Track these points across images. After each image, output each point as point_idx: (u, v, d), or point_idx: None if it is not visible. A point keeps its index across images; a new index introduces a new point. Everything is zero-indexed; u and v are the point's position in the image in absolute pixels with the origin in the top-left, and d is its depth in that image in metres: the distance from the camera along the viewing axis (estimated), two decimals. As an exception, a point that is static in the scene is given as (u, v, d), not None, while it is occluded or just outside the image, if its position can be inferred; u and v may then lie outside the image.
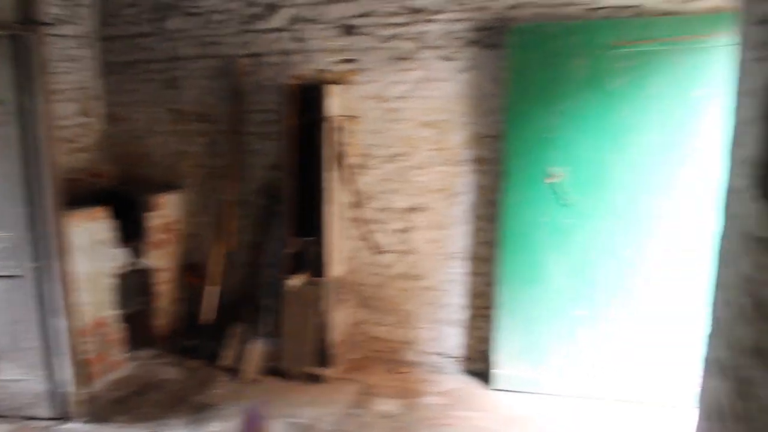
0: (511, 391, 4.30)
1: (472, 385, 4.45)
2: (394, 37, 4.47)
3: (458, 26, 4.31)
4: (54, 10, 4.97)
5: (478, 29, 4.27)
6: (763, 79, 1.97)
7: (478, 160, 4.37)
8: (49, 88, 3.90)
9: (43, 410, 4.07)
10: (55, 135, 3.96)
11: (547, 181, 4.03)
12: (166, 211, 5.18)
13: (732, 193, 2.37)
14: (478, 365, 4.56)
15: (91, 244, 4.47)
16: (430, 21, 4.36)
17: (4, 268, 3.93)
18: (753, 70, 2.14)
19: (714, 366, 2.51)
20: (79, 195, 4.84)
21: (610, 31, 3.85)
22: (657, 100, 3.81)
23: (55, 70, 4.92)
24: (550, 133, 3.99)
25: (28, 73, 3.74)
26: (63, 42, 5.10)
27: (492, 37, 4.24)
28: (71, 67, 5.21)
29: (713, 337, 2.58)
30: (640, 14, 3.93)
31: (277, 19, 4.78)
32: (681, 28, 3.74)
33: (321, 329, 4.52)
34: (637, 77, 3.82)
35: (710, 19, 3.69)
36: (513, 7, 4.17)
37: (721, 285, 2.48)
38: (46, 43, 3.88)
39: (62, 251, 3.94)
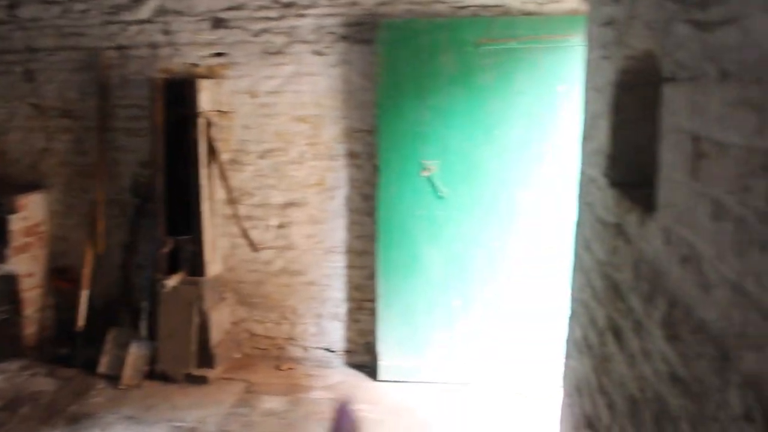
0: (395, 381, 4.39)
1: (358, 377, 4.52)
2: (265, 31, 4.42)
3: (329, 21, 4.31)
4: None
5: (349, 24, 4.29)
6: (609, 76, 2.12)
7: (353, 155, 4.42)
8: None
9: None
10: None
11: (421, 174, 4.14)
12: (29, 213, 4.90)
13: (585, 182, 2.55)
14: (363, 358, 4.65)
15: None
16: (301, 15, 4.34)
17: None
18: (600, 67, 2.30)
19: (574, 346, 2.71)
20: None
21: (477, 28, 3.98)
22: (522, 95, 3.99)
23: None
24: (422, 127, 4.09)
25: None
26: None
27: (363, 33, 4.27)
28: None
29: (573, 319, 2.78)
30: (504, 13, 4.07)
31: (144, 11, 4.59)
32: (542, 28, 3.92)
33: (201, 329, 4.46)
34: (503, 73, 3.99)
35: (568, 20, 3.89)
36: (383, 3, 4.22)
37: (579, 269, 2.66)
38: None
39: None
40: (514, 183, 4.08)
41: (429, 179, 4.14)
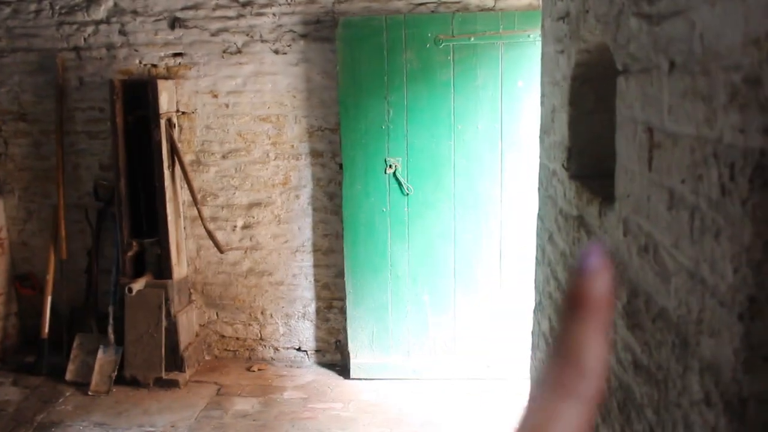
0: (367, 379, 4.39)
1: (329, 376, 4.51)
2: (223, 30, 4.38)
3: (288, 20, 4.29)
4: None
5: (308, 23, 4.27)
6: (566, 70, 2.15)
7: (316, 153, 4.41)
8: None
9: None
10: None
11: (386, 171, 4.14)
12: (-13, 220, 4.80)
13: (547, 175, 2.58)
14: (334, 357, 4.64)
15: None
16: (259, 14, 4.31)
17: None
18: (556, 61, 2.33)
19: (541, 338, 2.74)
20: None
21: (436, 25, 4.00)
22: (484, 90, 4.02)
23: None
24: (385, 124, 4.10)
25: None
26: None
27: (322, 31, 4.26)
28: None
29: (539, 311, 2.81)
30: (463, 9, 4.09)
31: (99, 11, 4.52)
32: (500, 24, 3.95)
33: (169, 332, 4.41)
34: (464, 69, 4.01)
35: (526, 15, 3.93)
36: (341, 0, 4.21)
37: (543, 262, 2.70)
38: None
39: None
40: (479, 177, 4.11)
41: (393, 176, 4.15)
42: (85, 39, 4.59)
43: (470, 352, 4.30)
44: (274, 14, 4.30)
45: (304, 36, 4.29)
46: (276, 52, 4.34)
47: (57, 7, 4.58)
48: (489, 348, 4.28)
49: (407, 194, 4.16)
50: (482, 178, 4.10)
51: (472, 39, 3.99)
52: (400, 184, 4.15)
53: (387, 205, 4.18)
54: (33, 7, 4.61)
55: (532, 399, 0.36)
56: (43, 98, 4.73)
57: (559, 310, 0.29)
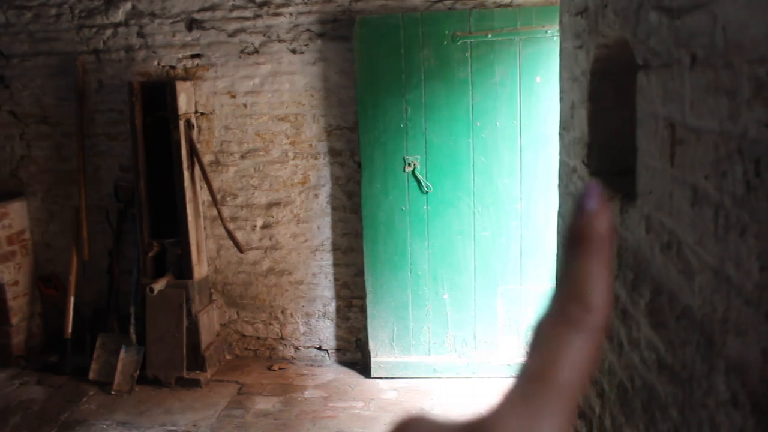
0: (387, 377, 4.38)
1: (350, 375, 4.51)
2: (241, 30, 4.39)
3: (305, 19, 4.29)
4: None
5: (325, 22, 4.27)
6: (585, 66, 2.12)
7: (335, 152, 4.40)
8: None
9: None
10: None
11: (405, 169, 4.13)
12: (11, 221, 4.86)
13: (567, 172, 2.55)
14: (354, 355, 4.64)
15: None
16: (276, 14, 4.31)
17: None
18: (575, 57, 2.30)
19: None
20: None
21: (453, 22, 3.97)
22: (502, 87, 3.99)
23: None
24: (403, 122, 4.09)
25: None
26: None
27: (339, 30, 4.25)
28: None
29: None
30: (479, 6, 4.07)
31: (118, 14, 4.55)
32: (518, 19, 3.92)
33: (190, 332, 4.44)
34: (482, 66, 3.98)
35: (543, 10, 3.89)
36: (358, -1, 4.21)
37: (562, 262, 2.66)
38: None
39: None
40: (498, 174, 4.08)
41: (412, 174, 4.13)
42: (104, 42, 4.63)
43: (490, 350, 4.28)
44: (290, 14, 4.30)
45: (321, 35, 4.29)
46: (293, 51, 4.34)
47: (77, 11, 4.62)
48: (509, 346, 4.25)
49: (426, 192, 4.14)
50: (501, 176, 4.08)
51: (490, 35, 3.96)
52: (419, 182, 4.14)
53: (406, 204, 4.17)
54: (53, 11, 4.66)
55: (538, 333, 0.37)
56: (64, 101, 4.77)
57: (563, 247, 0.30)
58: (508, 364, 4.25)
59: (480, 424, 0.36)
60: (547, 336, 0.36)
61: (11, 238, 4.87)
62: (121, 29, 4.58)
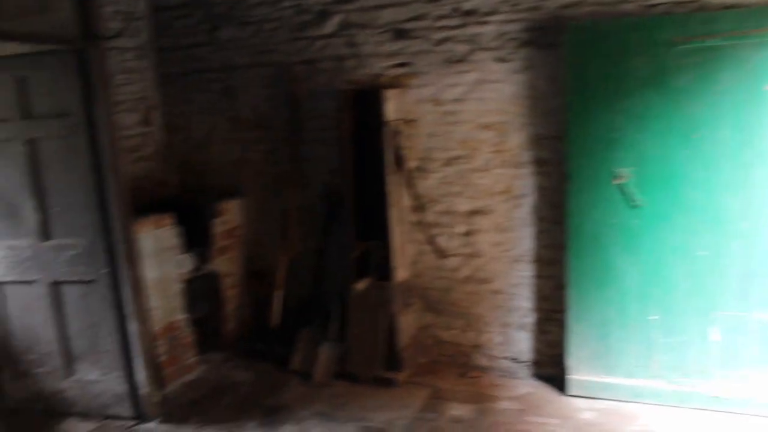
0: (585, 397, 4.23)
1: (545, 390, 4.41)
2: (446, 39, 4.44)
3: (512, 27, 4.24)
4: (111, 24, 5.06)
5: (532, 29, 4.20)
6: None
7: (540, 162, 4.32)
8: (112, 100, 4.03)
9: (122, 410, 4.25)
10: (119, 144, 4.09)
11: (614, 181, 3.97)
12: (228, 218, 5.29)
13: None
14: (550, 370, 4.53)
15: (158, 251, 4.58)
16: (482, 23, 4.31)
17: (78, 274, 4.10)
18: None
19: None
20: (144, 203, 4.97)
21: (670, 27, 3.74)
22: (727, 96, 3.69)
23: (114, 82, 5.02)
24: (614, 132, 3.92)
25: (92, 85, 3.88)
26: (120, 54, 5.20)
27: (547, 37, 4.17)
28: (129, 78, 5.31)
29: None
30: (700, 9, 3.81)
31: (329, 26, 4.79)
32: (747, 21, 3.61)
33: (388, 333, 4.57)
34: (704, 73, 3.71)
35: (777, 11, 3.56)
36: (567, 5, 4.08)
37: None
38: (107, 57, 4.00)
39: (132, 257, 4.08)
40: (718, 190, 3.78)
41: (622, 187, 3.96)
42: (316, 52, 4.88)
43: (702, 380, 3.98)
44: (496, 22, 4.28)
45: (528, 43, 4.23)
46: (499, 60, 4.32)
47: (292, 25, 4.92)
48: (724, 378, 3.94)
49: (637, 206, 3.95)
50: (722, 192, 3.78)
51: (712, 40, 3.68)
52: (629, 195, 3.95)
53: (615, 217, 4.00)
54: (272, 25, 4.99)
55: None
56: (279, 108, 5.10)
57: None
58: (724, 398, 3.94)
59: None
60: None
61: (228, 234, 5.30)
62: (332, 40, 4.81)
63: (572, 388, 4.28)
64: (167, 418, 4.26)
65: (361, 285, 4.51)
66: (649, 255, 3.97)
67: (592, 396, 4.22)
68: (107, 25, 4.92)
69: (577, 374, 4.25)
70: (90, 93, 3.87)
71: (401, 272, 4.70)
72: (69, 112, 3.91)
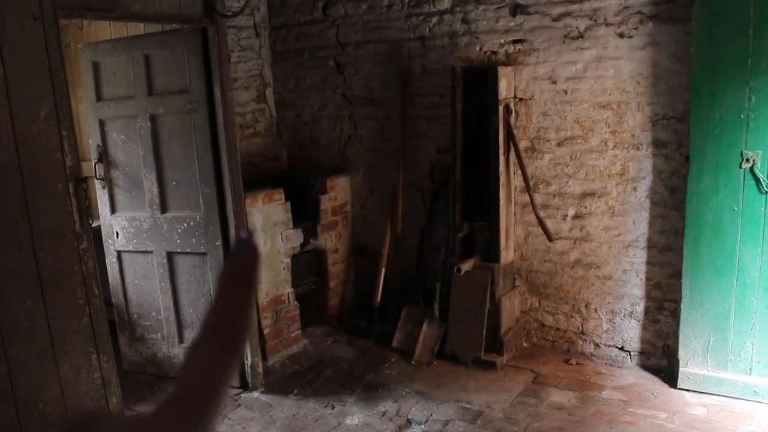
0: (696, 391, 4.02)
1: (653, 382, 4.22)
2: (565, 14, 4.29)
3: (636, 0, 4.04)
4: (229, 3, 5.21)
5: (658, 2, 3.98)
6: None
7: (659, 143, 4.11)
8: (230, 77, 4.13)
9: (229, 379, 4.38)
10: (234, 121, 4.20)
11: (741, 165, 3.72)
12: (336, 194, 5.36)
13: None
14: (659, 361, 4.34)
15: (268, 225, 4.71)
16: (605, -4, 4.14)
17: (192, 245, 4.25)
18: None
19: None
20: (256, 178, 5.11)
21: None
22: None
23: (230, 60, 5.18)
24: (743, 113, 3.67)
25: (213, 63, 3.98)
26: (237, 33, 5.36)
27: (674, 11, 3.94)
28: (244, 56, 5.46)
29: None
30: None
31: (444, 2, 4.74)
32: None
33: (491, 315, 4.50)
34: None
35: None
36: (699, -24, 3.86)
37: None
38: (227, 35, 4.10)
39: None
40: None
41: (750, 171, 3.70)
42: (429, 29, 4.84)
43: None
44: (620, -5, 4.10)
45: (652, 17, 4.02)
46: (620, 35, 4.13)
47: (406, 1, 4.90)
48: None
49: (766, 192, 3.68)
50: None
51: None
52: (758, 180, 3.69)
53: (739, 204, 3.75)
54: (386, 2, 5.00)
55: (190, 350, 0.44)
56: (390, 85, 5.11)
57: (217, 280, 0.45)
58: None
59: (141, 422, 0.42)
60: (195, 353, 0.44)
61: (335, 210, 5.37)
62: (446, 16, 4.75)
63: (682, 382, 4.07)
64: (270, 388, 4.37)
65: (465, 265, 4.45)
66: (778, 245, 3.70)
67: (704, 391, 4.01)
68: (228, 4, 5.08)
69: (688, 367, 4.04)
70: (210, 71, 4.00)
71: (507, 254, 4.61)
72: (190, 89, 4.05)
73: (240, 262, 0.46)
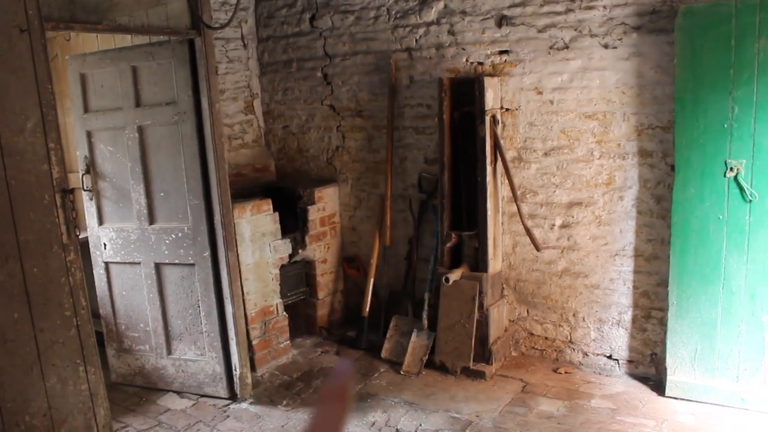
0: (683, 399, 4.04)
1: (641, 390, 4.23)
2: (551, 26, 4.32)
3: (620, 12, 4.08)
4: (217, 15, 5.22)
5: (642, 14, 4.03)
6: None
7: (644, 153, 4.14)
8: (217, 89, 4.13)
9: (216, 390, 4.38)
10: (222, 132, 4.20)
11: (725, 174, 3.75)
12: (324, 205, 5.37)
13: None
14: (647, 369, 4.36)
15: (256, 236, 4.71)
16: (589, 8, 4.16)
17: (180, 256, 4.24)
18: None
19: None
20: (243, 189, 5.11)
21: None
22: None
23: (218, 71, 5.18)
24: (727, 122, 3.71)
25: (200, 74, 3.99)
26: (224, 44, 5.37)
27: (657, 22, 3.98)
28: (231, 67, 5.49)
29: None
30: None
31: (430, 13, 4.77)
32: None
33: (480, 324, 4.51)
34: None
35: None
36: (681, -12, 3.91)
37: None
38: (214, 46, 4.11)
39: (231, 241, 4.18)
40: None
41: (735, 180, 3.74)
42: (416, 40, 4.88)
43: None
44: (604, 7, 4.12)
45: (636, 28, 4.06)
46: (605, 46, 4.17)
47: (393, 12, 4.94)
48: None
49: (750, 201, 3.72)
50: None
51: None
52: (742, 189, 3.73)
53: (724, 212, 3.78)
54: (372, 14, 5.03)
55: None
56: (377, 96, 5.13)
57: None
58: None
59: None
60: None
61: (324, 220, 5.38)
62: (432, 28, 4.79)
63: (670, 390, 4.09)
64: (259, 399, 4.36)
65: (453, 275, 4.46)
66: (762, 253, 3.73)
67: (691, 399, 4.02)
68: (215, 16, 5.09)
69: (676, 375, 4.06)
70: (197, 82, 4.00)
71: (495, 263, 4.63)
72: (177, 100, 4.06)
73: (339, 385, 0.52)
